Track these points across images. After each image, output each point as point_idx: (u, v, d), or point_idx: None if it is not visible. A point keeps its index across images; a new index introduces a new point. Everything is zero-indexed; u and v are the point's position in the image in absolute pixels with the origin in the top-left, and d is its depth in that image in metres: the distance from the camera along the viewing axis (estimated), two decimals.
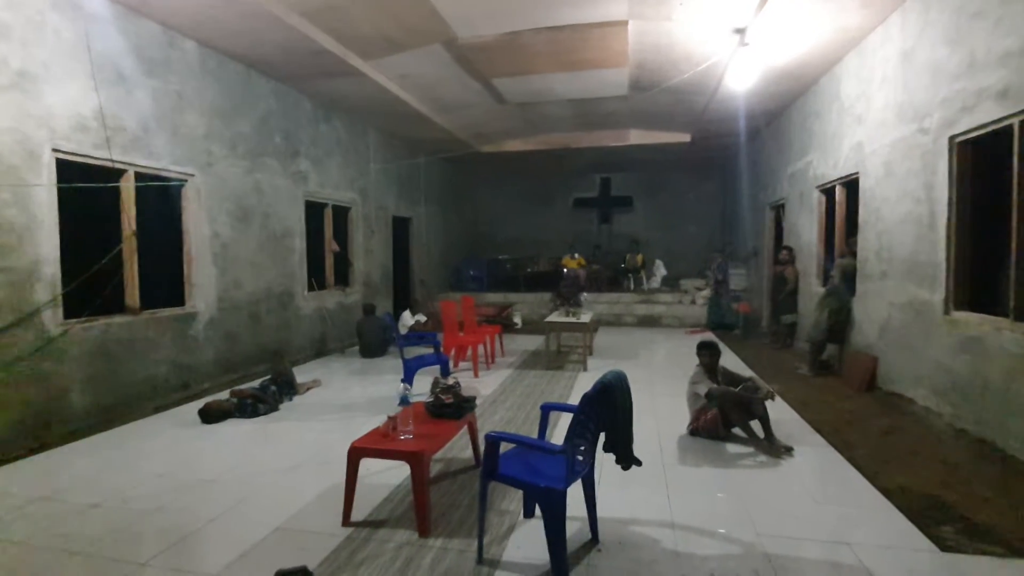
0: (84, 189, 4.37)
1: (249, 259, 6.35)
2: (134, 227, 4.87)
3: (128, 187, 4.84)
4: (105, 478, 3.45)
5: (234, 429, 4.45)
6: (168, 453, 3.91)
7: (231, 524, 2.85)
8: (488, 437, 2.36)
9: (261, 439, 4.23)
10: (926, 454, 3.81)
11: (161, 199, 5.39)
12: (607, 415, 2.37)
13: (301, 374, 6.26)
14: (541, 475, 2.38)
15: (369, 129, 9.10)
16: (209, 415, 4.59)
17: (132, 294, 4.90)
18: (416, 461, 2.67)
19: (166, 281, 5.56)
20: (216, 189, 5.83)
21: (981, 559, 2.51)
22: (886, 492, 3.21)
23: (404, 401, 2.97)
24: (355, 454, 2.82)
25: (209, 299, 5.76)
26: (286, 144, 6.98)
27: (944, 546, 2.63)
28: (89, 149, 4.42)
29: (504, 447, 2.62)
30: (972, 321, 4.13)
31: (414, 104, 7.87)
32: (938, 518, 2.92)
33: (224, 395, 5.09)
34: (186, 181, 5.47)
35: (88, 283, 4.39)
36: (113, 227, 4.85)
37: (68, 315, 4.31)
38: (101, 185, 4.55)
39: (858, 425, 4.43)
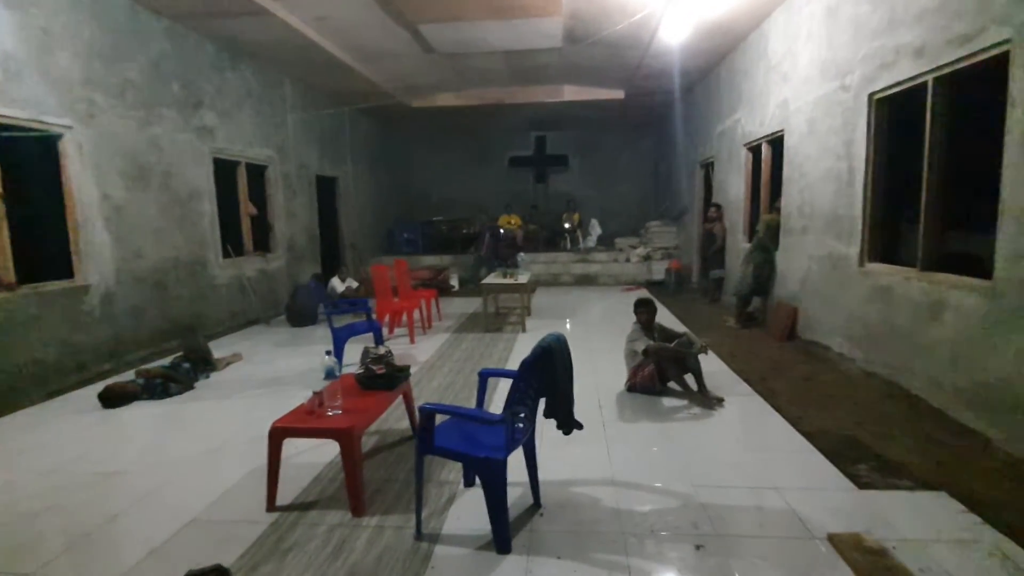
0: None
1: (150, 224, 5.69)
2: (0, 189, 4.18)
3: None
4: None
5: (141, 413, 4.04)
6: (61, 445, 3.47)
7: (138, 519, 2.56)
8: (423, 409, 2.21)
9: (173, 422, 3.86)
10: (841, 397, 4.07)
11: (38, 157, 4.66)
12: (547, 380, 2.28)
13: (221, 348, 5.81)
14: (479, 445, 2.27)
15: (285, 79, 8.32)
16: (111, 399, 4.13)
17: (5, 266, 4.25)
18: (345, 438, 2.48)
19: (54, 251, 4.87)
20: (103, 144, 5.10)
21: (893, 494, 2.69)
22: (808, 435, 3.38)
23: (331, 374, 2.75)
24: (277, 435, 2.58)
25: (104, 270, 5.13)
26: (186, 94, 6.22)
27: (860, 483, 2.79)
28: None
29: (441, 417, 2.48)
30: (883, 272, 4.38)
31: (333, 51, 7.23)
32: (853, 457, 3.11)
33: (129, 376, 4.61)
34: (63, 134, 4.73)
35: None
36: None
37: None
38: None
39: (781, 373, 4.66)
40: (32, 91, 4.42)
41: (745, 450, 3.22)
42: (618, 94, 10.21)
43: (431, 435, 2.24)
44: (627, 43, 7.32)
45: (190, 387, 4.57)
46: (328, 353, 2.87)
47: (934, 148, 3.82)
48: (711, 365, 4.71)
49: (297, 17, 6.18)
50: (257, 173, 7.84)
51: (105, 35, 5.12)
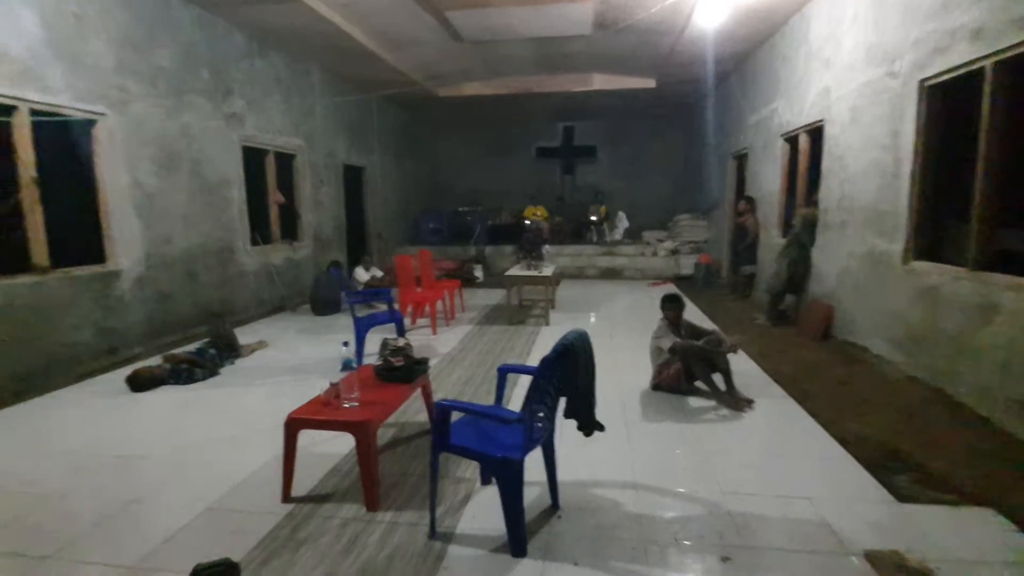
0: None
1: (180, 211, 5.77)
2: (34, 174, 4.26)
3: (21, 126, 4.18)
4: (7, 459, 3.07)
5: (166, 397, 4.10)
6: (87, 427, 3.54)
7: (155, 506, 2.58)
8: (438, 406, 2.14)
9: (197, 407, 3.90)
10: (881, 402, 3.86)
11: (70, 142, 4.75)
12: (568, 379, 2.18)
13: (247, 334, 5.89)
14: (497, 444, 2.19)
15: (313, 67, 8.33)
16: (138, 382, 4.20)
17: (38, 250, 4.34)
18: (361, 431, 2.44)
19: (86, 236, 4.98)
20: (134, 131, 5.18)
21: (937, 508, 2.51)
22: (843, 442, 3.20)
23: (347, 366, 2.71)
24: (293, 426, 2.55)
25: (135, 256, 5.22)
26: (216, 81, 6.27)
27: (901, 496, 2.62)
28: None
29: (458, 413, 2.41)
30: (929, 271, 4.12)
31: (360, 38, 7.18)
32: (894, 467, 2.93)
33: (157, 360, 4.68)
34: (96, 120, 4.81)
35: None
36: (12, 175, 4.22)
37: None
38: None
39: (815, 375, 4.46)
40: (66, 78, 4.48)
41: (776, 456, 3.06)
42: (649, 83, 9.94)
43: (447, 432, 2.17)
44: (659, 29, 7.09)
45: (215, 373, 4.63)
46: (345, 344, 2.83)
47: (991, 139, 3.55)
48: (740, 365, 4.53)
49: (323, 3, 6.14)
50: (286, 162, 7.89)
51: (137, 22, 5.17)
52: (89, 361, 4.69)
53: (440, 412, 2.14)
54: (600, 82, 10.22)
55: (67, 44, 4.49)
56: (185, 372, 4.41)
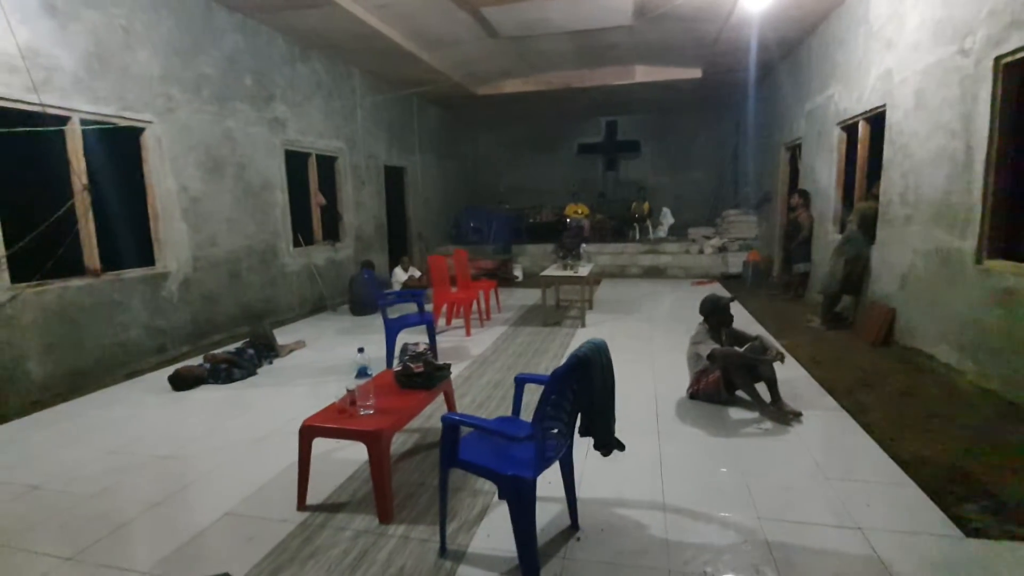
0: (22, 140, 3.94)
1: (225, 214, 5.96)
2: (86, 181, 4.47)
3: (74, 136, 4.39)
4: (54, 455, 3.22)
5: (205, 396, 4.21)
6: (128, 425, 3.67)
7: (178, 509, 2.61)
8: (444, 420, 2.04)
9: (232, 407, 3.98)
10: (948, 418, 3.48)
11: (119, 150, 4.97)
12: (583, 394, 2.03)
13: (288, 334, 6.02)
14: (509, 460, 2.07)
15: (353, 70, 8.45)
16: (180, 382, 4.34)
17: (91, 254, 4.56)
18: (373, 441, 2.38)
19: (135, 240, 5.21)
20: (180, 138, 5.37)
21: (1012, 545, 2.21)
22: (903, 463, 2.89)
23: (362, 373, 2.65)
24: (307, 433, 2.53)
25: (182, 258, 5.42)
26: (259, 87, 6.43)
27: (969, 530, 2.32)
28: (20, 93, 3.95)
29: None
30: (1008, 271, 3.69)
31: (398, 39, 7.20)
32: (961, 494, 2.61)
33: (198, 360, 4.84)
34: (143, 129, 5.01)
35: (39, 244, 4.06)
36: (65, 183, 4.45)
37: (17, 279, 4.00)
38: (32, 129, 4.05)
39: (873, 385, 4.09)
40: (114, 87, 4.68)
41: (824, 478, 2.79)
42: (694, 73, 9.52)
43: (455, 447, 2.07)
44: (704, 15, 6.74)
45: (253, 373, 4.73)
46: (360, 350, 2.78)
47: None
48: (790, 372, 4.22)
49: (360, 6, 6.18)
50: (327, 164, 8.04)
51: (182, 32, 5.35)
52: (138, 360, 4.90)
53: (447, 427, 2.04)
54: (643, 74, 9.88)
55: (116, 56, 4.68)
56: (224, 372, 4.52)
